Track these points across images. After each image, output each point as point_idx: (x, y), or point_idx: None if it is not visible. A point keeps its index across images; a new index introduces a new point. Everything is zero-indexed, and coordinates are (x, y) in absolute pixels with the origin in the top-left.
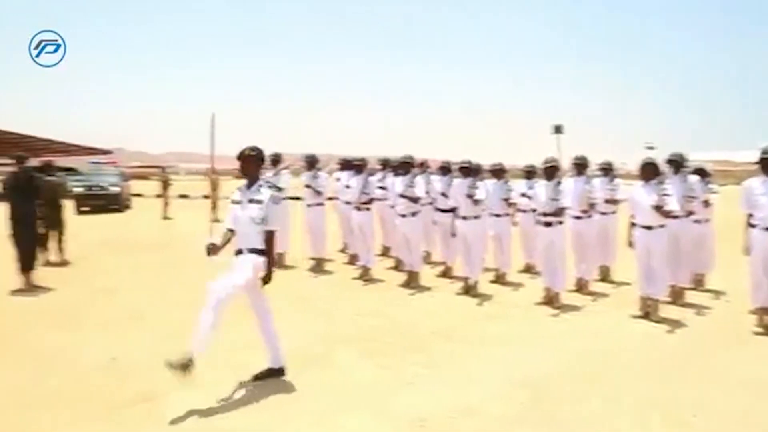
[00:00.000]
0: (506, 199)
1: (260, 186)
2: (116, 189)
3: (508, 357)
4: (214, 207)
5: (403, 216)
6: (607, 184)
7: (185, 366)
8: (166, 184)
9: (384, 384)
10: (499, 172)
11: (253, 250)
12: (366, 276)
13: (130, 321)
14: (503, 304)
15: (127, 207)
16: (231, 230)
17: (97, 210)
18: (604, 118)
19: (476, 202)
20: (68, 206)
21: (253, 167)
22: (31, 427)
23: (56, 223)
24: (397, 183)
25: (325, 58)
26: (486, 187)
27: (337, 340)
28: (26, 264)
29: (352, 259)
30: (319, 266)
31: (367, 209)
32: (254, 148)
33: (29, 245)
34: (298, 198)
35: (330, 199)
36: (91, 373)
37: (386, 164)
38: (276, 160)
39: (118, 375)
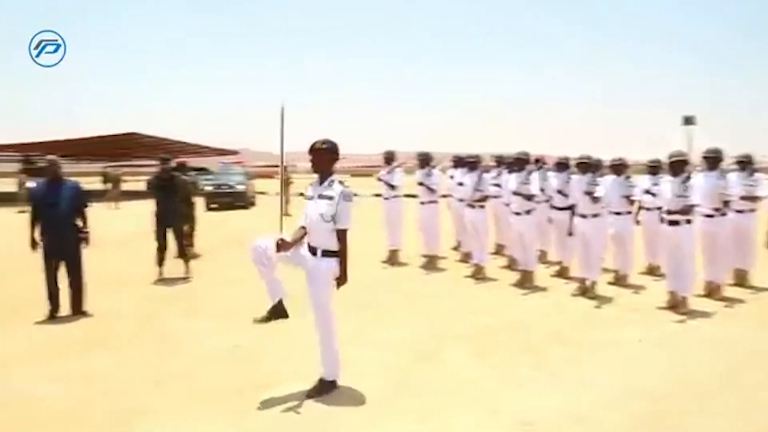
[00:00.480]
0: (627, 197)
1: (332, 181)
2: (242, 187)
3: (625, 364)
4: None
5: (518, 214)
6: (746, 180)
7: (274, 313)
8: (286, 182)
9: (492, 384)
10: (619, 168)
11: (326, 252)
12: (479, 274)
13: (253, 312)
14: (622, 308)
15: (252, 204)
16: (303, 227)
17: (224, 207)
18: (745, 108)
19: (595, 199)
20: (199, 203)
21: (325, 161)
22: (152, 402)
23: (188, 219)
24: (511, 180)
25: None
26: (606, 184)
27: (447, 337)
28: (162, 257)
29: (465, 257)
30: (432, 264)
31: (481, 207)
32: (326, 141)
33: (176, 238)
34: (412, 196)
35: (444, 196)
36: (213, 359)
37: (501, 161)
38: (389, 157)
39: (237, 362)
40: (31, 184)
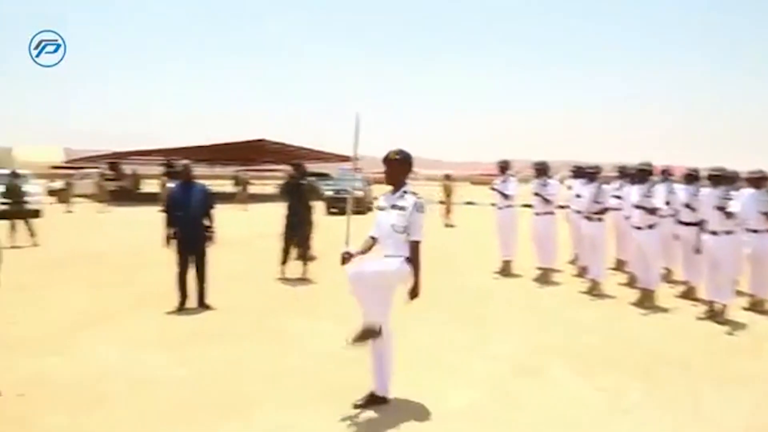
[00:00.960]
0: (766, 213)
1: (404, 192)
2: (360, 193)
3: (755, 402)
4: (447, 212)
5: (639, 228)
6: None
7: (366, 333)
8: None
9: (598, 406)
10: (758, 181)
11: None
12: (595, 290)
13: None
14: (758, 337)
15: (369, 210)
16: (373, 238)
17: (343, 212)
18: None
19: (729, 215)
20: (319, 208)
21: (398, 171)
22: (264, 394)
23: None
24: (633, 192)
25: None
26: (741, 198)
27: (555, 353)
28: (286, 257)
29: (582, 272)
30: (546, 277)
31: (599, 219)
32: (399, 152)
33: (300, 241)
34: (528, 206)
35: (561, 207)
36: (320, 358)
37: (623, 172)
38: (504, 167)
39: (343, 362)
40: (170, 185)
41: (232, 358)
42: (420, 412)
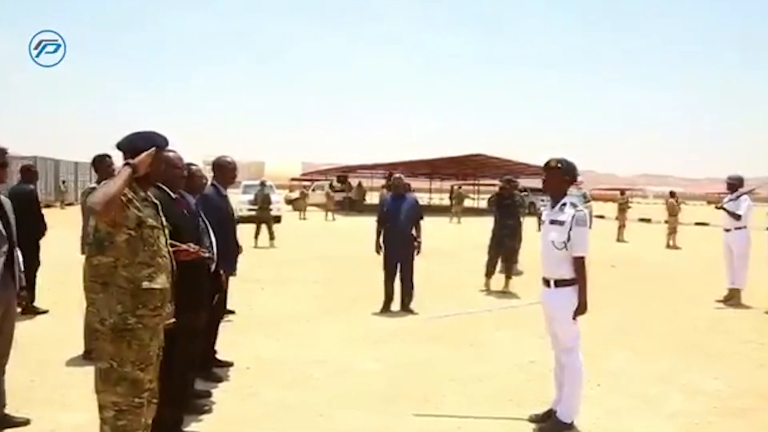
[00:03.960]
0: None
1: (564, 204)
2: None
3: None
4: (671, 232)
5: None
6: None
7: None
8: (622, 207)
9: None
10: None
11: (560, 282)
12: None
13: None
14: None
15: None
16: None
17: None
18: None
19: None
20: (533, 224)
21: (558, 181)
22: (449, 394)
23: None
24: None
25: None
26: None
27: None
28: (491, 270)
29: None
30: None
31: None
32: (561, 161)
33: (507, 255)
34: None
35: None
36: (512, 369)
37: None
38: (736, 183)
39: (534, 376)
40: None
41: (425, 359)
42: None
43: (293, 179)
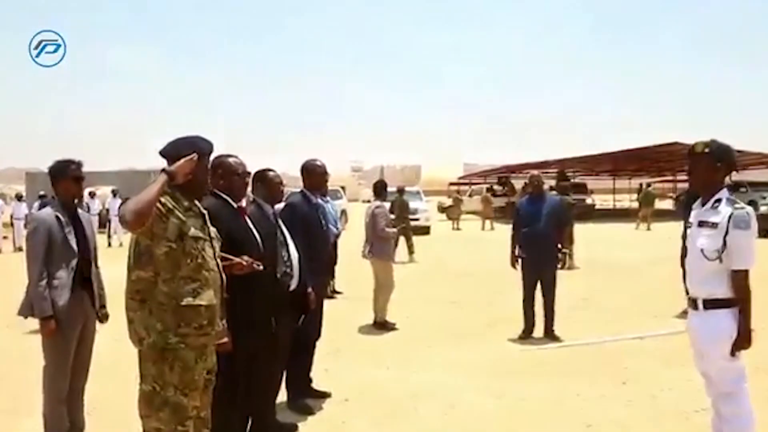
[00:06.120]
0: None
1: (718, 201)
2: None
3: None
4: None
5: None
6: None
7: None
8: None
9: None
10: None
11: (712, 303)
12: None
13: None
14: None
15: None
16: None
17: None
18: None
19: None
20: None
21: (708, 171)
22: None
23: None
24: None
25: None
26: None
27: None
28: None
29: None
30: None
31: None
32: (709, 143)
33: None
34: None
35: None
36: (671, 416)
37: None
38: None
39: (697, 429)
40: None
41: (557, 398)
42: None
43: (451, 183)
